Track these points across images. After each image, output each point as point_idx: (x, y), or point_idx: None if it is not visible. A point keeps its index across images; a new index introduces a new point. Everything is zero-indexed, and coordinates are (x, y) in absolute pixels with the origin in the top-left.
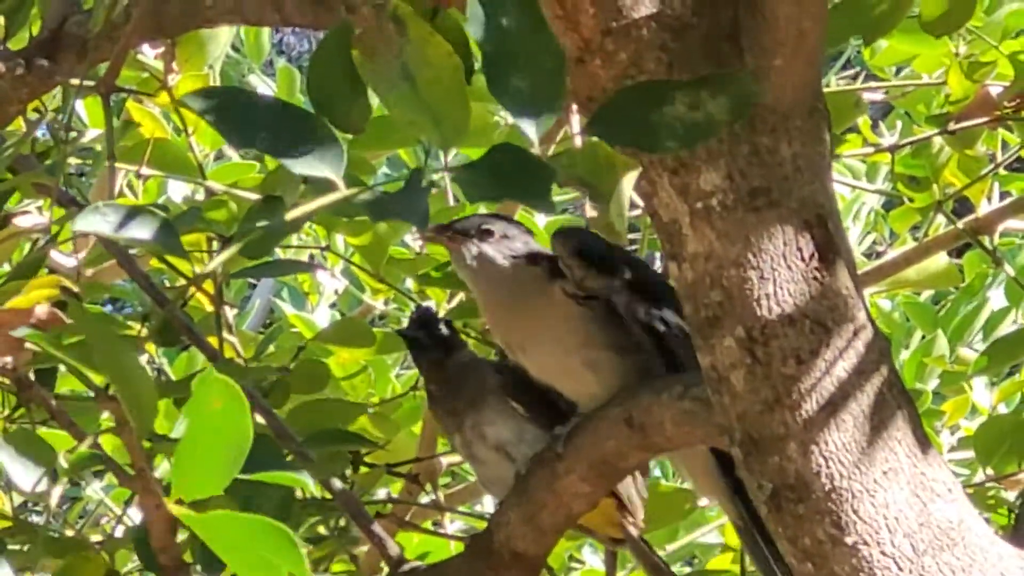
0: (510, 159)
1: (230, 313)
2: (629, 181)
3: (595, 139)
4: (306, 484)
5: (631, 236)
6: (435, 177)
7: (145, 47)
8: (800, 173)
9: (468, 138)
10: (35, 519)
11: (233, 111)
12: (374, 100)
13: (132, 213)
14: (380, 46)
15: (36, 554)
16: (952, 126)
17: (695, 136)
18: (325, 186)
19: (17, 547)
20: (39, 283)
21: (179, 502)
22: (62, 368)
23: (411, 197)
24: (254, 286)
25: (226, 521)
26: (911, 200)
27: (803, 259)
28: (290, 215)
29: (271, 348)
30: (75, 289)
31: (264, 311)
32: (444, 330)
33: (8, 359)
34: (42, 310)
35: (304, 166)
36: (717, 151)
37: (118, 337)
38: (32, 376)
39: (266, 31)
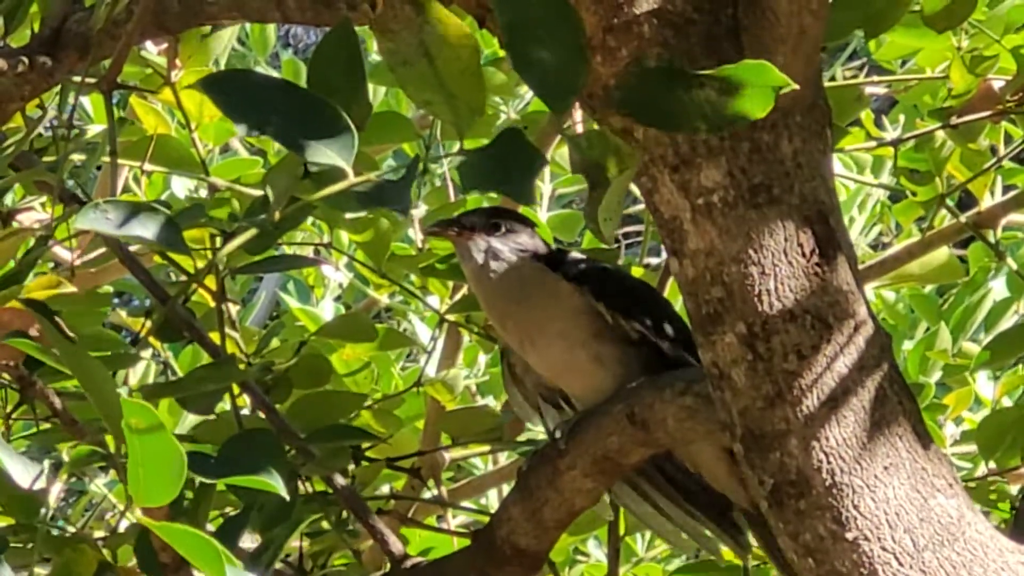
0: (514, 147)
1: (233, 308)
2: (624, 185)
3: (605, 126)
4: (276, 487)
5: (635, 228)
6: (438, 169)
7: (148, 43)
8: (801, 169)
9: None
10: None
11: (243, 94)
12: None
13: (134, 210)
14: (397, 25)
15: (35, 551)
16: (955, 120)
17: (724, 121)
18: (326, 179)
19: (20, 545)
20: (40, 283)
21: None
22: None
23: (397, 187)
24: (261, 279)
25: (175, 531)
26: (914, 194)
27: (804, 255)
28: (290, 208)
29: (275, 342)
30: (71, 288)
31: (270, 304)
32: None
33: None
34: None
35: (314, 153)
36: (718, 148)
37: (86, 353)
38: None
39: (271, 24)
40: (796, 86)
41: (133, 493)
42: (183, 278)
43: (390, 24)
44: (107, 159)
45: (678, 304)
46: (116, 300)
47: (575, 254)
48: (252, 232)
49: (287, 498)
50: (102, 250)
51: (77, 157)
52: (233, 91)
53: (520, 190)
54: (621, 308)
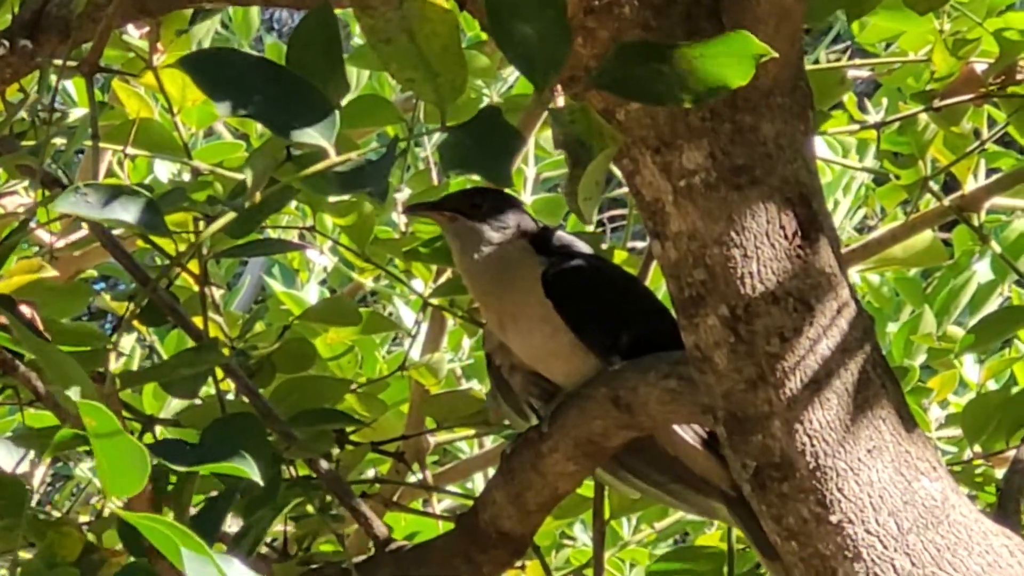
0: (491, 127)
1: (217, 292)
2: (604, 165)
3: (585, 102)
4: (249, 473)
5: (620, 212)
6: (421, 152)
7: (130, 27)
8: (782, 151)
9: (454, 112)
10: None
11: (224, 73)
12: (353, 79)
13: (114, 193)
14: (377, 1)
15: (18, 535)
16: (938, 103)
17: (705, 90)
18: (309, 162)
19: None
20: (21, 267)
21: None
22: None
23: (376, 169)
24: (246, 263)
25: (146, 521)
26: (897, 177)
27: (786, 237)
28: (270, 191)
29: (259, 326)
30: (52, 272)
31: (255, 288)
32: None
33: None
34: (26, 311)
35: (296, 133)
36: (699, 129)
37: (55, 348)
38: None
39: (255, 7)
40: (775, 54)
41: (104, 486)
42: (167, 262)
43: (370, 1)
44: (89, 143)
45: (662, 289)
46: (102, 284)
47: (562, 235)
48: (231, 215)
49: (261, 483)
50: (85, 232)
51: (59, 141)
52: (214, 70)
53: (497, 171)
54: (580, 326)
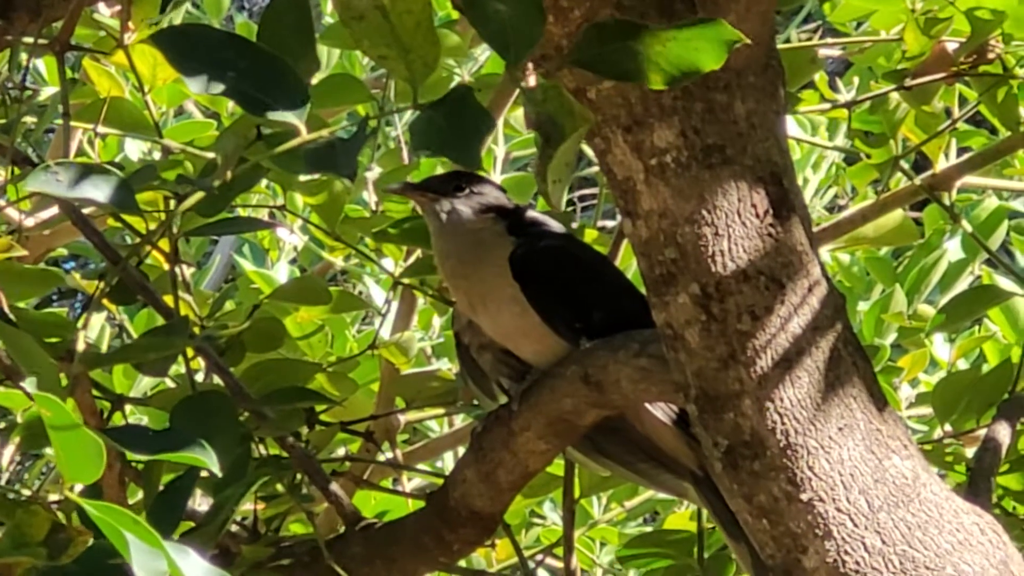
0: (462, 108)
1: (187, 271)
2: (574, 146)
3: (556, 82)
4: (209, 464)
5: (590, 191)
6: (392, 131)
7: (101, 5)
8: (754, 130)
9: (425, 91)
10: None
11: (197, 50)
12: (323, 58)
13: (84, 172)
14: None
15: None
16: (909, 82)
17: (677, 75)
18: (279, 141)
19: None
20: None
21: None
22: None
23: (346, 149)
24: (216, 242)
25: (99, 510)
26: (868, 156)
27: (757, 215)
28: (240, 169)
29: (229, 305)
30: (21, 251)
31: (225, 267)
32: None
33: None
34: None
35: (268, 111)
36: (671, 108)
37: (24, 334)
38: None
39: None
40: (748, 40)
41: (63, 473)
42: (138, 241)
43: None
44: (60, 121)
45: (633, 268)
46: (72, 263)
47: (534, 215)
48: (202, 194)
49: (219, 475)
50: (55, 211)
51: (30, 119)
52: (186, 47)
53: (467, 153)
54: (546, 308)
